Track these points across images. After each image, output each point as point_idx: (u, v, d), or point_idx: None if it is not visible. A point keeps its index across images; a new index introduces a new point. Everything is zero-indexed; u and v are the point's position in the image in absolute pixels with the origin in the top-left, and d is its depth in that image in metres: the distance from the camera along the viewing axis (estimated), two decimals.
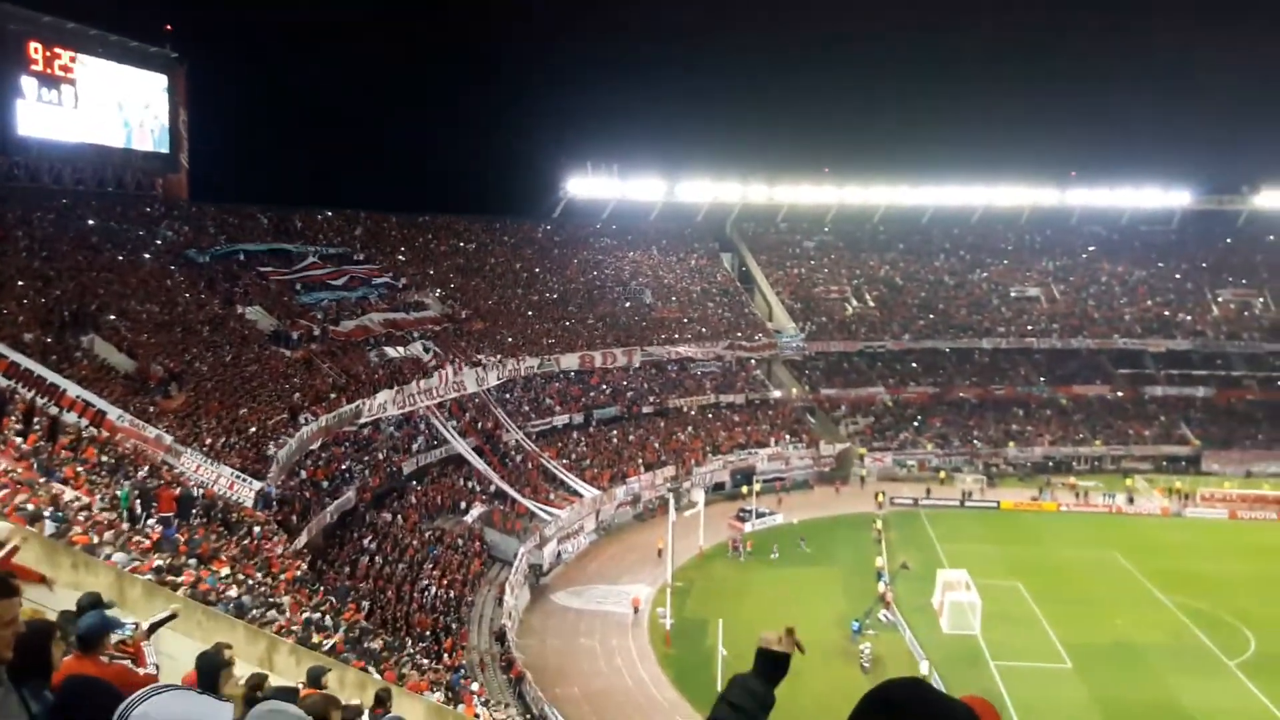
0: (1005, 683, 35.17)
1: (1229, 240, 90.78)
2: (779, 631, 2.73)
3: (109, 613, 7.45)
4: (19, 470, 18.83)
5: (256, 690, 7.26)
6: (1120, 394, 76.62)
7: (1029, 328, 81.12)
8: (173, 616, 8.85)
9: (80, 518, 18.06)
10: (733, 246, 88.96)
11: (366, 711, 11.82)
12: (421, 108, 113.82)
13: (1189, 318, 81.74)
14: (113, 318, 40.42)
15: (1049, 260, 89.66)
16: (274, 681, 10.36)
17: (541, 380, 64.09)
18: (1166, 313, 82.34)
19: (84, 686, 3.32)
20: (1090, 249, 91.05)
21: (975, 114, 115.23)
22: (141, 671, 5.95)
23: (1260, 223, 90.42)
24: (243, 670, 7.78)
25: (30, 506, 15.15)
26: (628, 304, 76.61)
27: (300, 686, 9.76)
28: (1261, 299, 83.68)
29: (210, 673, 5.74)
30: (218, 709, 2.56)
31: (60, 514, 16.92)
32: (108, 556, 16.16)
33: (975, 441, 71.73)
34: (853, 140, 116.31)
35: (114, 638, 5.78)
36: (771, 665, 2.67)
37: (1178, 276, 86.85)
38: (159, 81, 57.85)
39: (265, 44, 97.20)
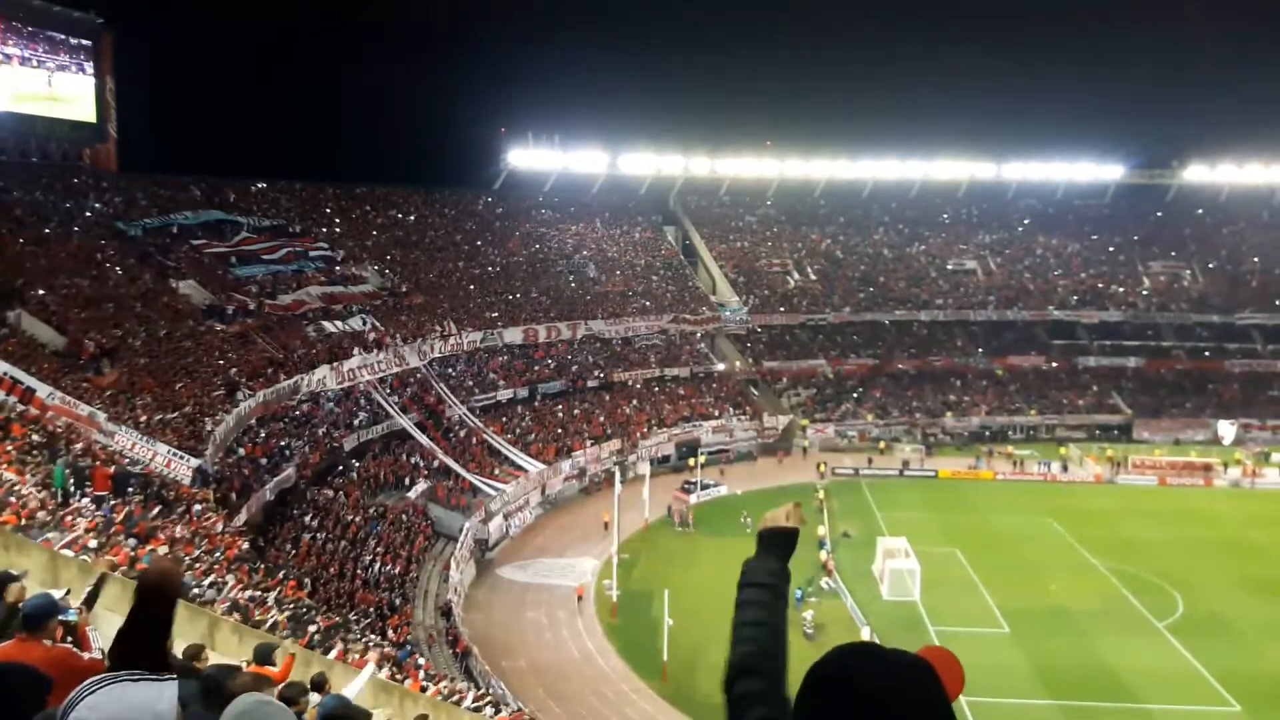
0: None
1: (1159, 214, 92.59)
2: (785, 508, 2.60)
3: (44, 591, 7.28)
4: None
5: (194, 660, 7.15)
6: (1054, 364, 78.12)
7: (966, 300, 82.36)
8: (101, 580, 8.64)
9: (11, 498, 17.63)
10: (676, 220, 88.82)
11: (313, 688, 11.71)
12: (357, 74, 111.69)
13: (1121, 289, 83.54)
14: (41, 292, 39.29)
15: (986, 233, 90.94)
16: (215, 659, 10.20)
17: (485, 354, 63.62)
18: (1099, 285, 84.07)
19: (9, 672, 3.22)
20: (1026, 222, 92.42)
21: (914, 88, 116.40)
22: (86, 656, 5.79)
23: (1189, 197, 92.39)
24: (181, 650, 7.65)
25: None
26: (571, 277, 76.23)
27: (244, 664, 9.62)
28: (1189, 271, 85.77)
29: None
30: (159, 691, 2.47)
31: None
32: (41, 537, 15.81)
33: (914, 412, 72.77)
34: (794, 114, 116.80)
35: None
36: (780, 543, 2.54)
37: (1110, 249, 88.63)
38: (84, 48, 56.02)
39: (194, 9, 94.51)
